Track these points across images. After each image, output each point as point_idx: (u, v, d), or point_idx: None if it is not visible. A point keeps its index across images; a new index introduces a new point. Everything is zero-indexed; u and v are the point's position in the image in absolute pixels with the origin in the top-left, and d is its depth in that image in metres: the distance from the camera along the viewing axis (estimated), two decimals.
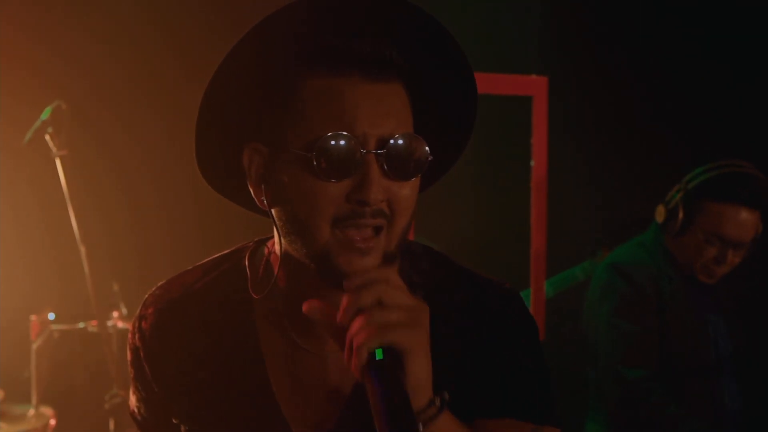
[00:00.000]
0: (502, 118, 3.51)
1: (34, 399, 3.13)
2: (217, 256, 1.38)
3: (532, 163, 3.06)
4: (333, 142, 1.12)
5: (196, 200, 3.30)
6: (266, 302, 1.29)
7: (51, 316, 3.20)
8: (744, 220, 2.56)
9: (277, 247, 1.26)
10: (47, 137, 2.96)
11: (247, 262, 1.33)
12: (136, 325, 1.35)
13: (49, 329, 3.18)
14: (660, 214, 2.74)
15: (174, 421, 1.35)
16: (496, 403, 1.26)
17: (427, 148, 1.18)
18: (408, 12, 1.18)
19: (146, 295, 1.37)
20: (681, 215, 2.67)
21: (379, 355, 1.07)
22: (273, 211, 1.21)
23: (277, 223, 1.22)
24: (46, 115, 2.95)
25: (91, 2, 3.48)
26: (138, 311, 1.36)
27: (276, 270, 1.26)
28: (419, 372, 1.08)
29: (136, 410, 1.43)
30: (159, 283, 1.38)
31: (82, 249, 2.96)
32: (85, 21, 3.45)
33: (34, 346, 3.14)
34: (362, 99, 1.15)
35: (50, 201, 3.18)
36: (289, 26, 1.17)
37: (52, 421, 3.10)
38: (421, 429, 1.04)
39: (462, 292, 1.32)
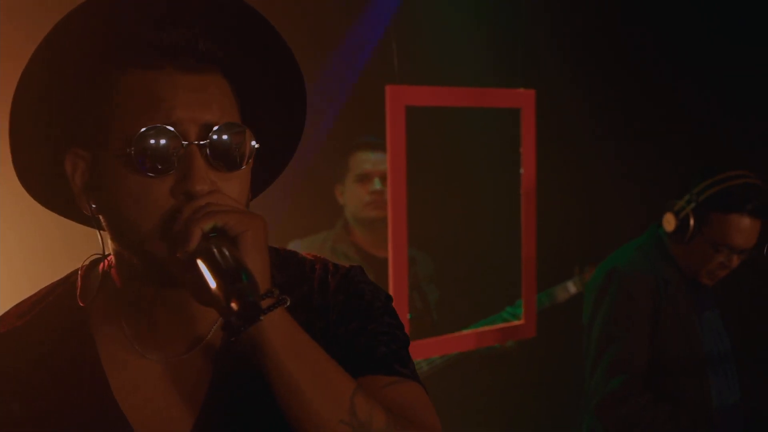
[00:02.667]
0: (493, 129, 3.58)
1: None
2: (52, 282, 1.28)
3: (522, 171, 3.12)
4: (152, 137, 1.07)
5: None
6: (102, 312, 1.22)
7: None
8: (750, 228, 2.66)
9: (114, 256, 1.19)
10: None
11: (80, 276, 1.24)
12: None
13: None
14: (669, 222, 2.78)
15: None
16: (354, 365, 1.17)
17: (252, 136, 1.13)
18: (221, 0, 1.14)
19: None
20: (692, 225, 2.73)
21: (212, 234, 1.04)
22: (101, 217, 1.15)
23: (108, 229, 1.15)
24: None
25: None
26: None
27: (115, 277, 1.19)
28: (256, 259, 1.04)
29: None
30: None
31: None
32: None
33: None
34: (179, 91, 1.09)
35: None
36: (94, 21, 1.10)
37: None
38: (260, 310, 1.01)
39: (310, 279, 1.25)
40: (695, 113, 4.03)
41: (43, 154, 1.17)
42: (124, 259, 1.15)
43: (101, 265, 1.24)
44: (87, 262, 1.25)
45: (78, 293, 1.21)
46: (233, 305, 0.97)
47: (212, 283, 0.98)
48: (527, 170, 3.10)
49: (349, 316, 1.20)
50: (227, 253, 1.01)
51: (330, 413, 1.06)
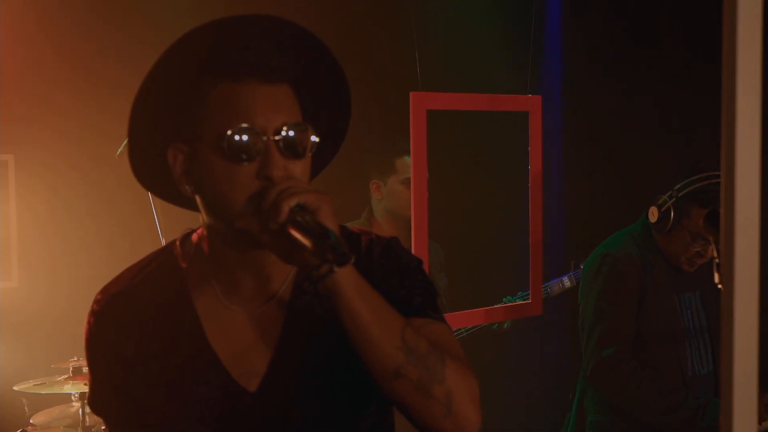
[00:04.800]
0: (504, 130, 3.81)
1: None
2: (153, 251, 1.53)
3: (530, 166, 3.29)
4: (239, 134, 1.31)
5: None
6: (197, 273, 1.44)
7: None
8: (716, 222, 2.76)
9: (203, 227, 1.44)
10: None
11: (178, 244, 1.48)
12: (87, 320, 1.48)
13: None
14: (653, 214, 2.98)
15: (124, 399, 1.45)
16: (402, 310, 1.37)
17: (313, 132, 1.37)
18: (285, 28, 1.38)
19: (95, 295, 1.49)
20: (672, 217, 2.93)
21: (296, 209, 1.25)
22: (197, 196, 1.39)
23: (202, 205, 1.40)
24: None
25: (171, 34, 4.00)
26: (91, 305, 1.49)
27: (205, 246, 1.43)
28: (331, 225, 1.25)
29: (91, 398, 1.52)
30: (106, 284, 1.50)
31: (163, 241, 3.36)
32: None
33: None
34: (258, 98, 1.33)
35: (138, 202, 3.61)
36: (193, 46, 1.35)
37: None
38: (341, 263, 1.23)
39: (358, 247, 1.47)
40: (693, 114, 4.19)
41: (150, 148, 1.40)
42: (215, 230, 1.39)
43: (193, 236, 1.48)
44: (181, 235, 1.50)
45: (179, 257, 1.46)
46: (329, 256, 1.22)
47: (308, 243, 1.22)
48: (534, 166, 3.27)
49: (390, 275, 1.43)
50: (313, 221, 1.25)
51: (387, 341, 1.30)
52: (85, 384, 3.27)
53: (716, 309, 3.04)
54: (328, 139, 1.47)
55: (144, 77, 1.35)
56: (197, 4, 3.91)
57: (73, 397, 3.56)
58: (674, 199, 2.94)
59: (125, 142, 3.45)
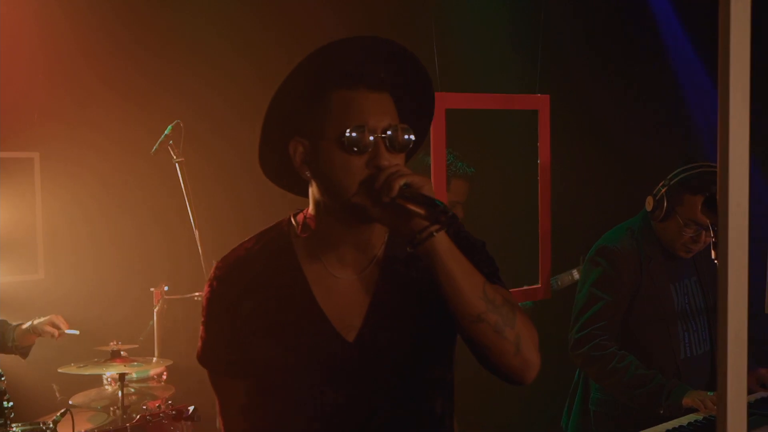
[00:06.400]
0: (515, 127, 3.94)
1: (156, 349, 3.81)
2: (264, 229, 1.79)
3: (539, 160, 3.46)
4: (355, 132, 1.57)
5: (278, 196, 4.03)
6: (306, 245, 1.71)
7: (166, 288, 3.87)
8: (713, 208, 2.78)
9: (312, 208, 1.69)
10: (169, 147, 3.60)
11: (292, 220, 1.74)
12: (210, 277, 1.74)
13: (165, 298, 3.86)
14: (649, 203, 3.09)
15: (235, 354, 1.68)
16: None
17: (410, 132, 1.62)
18: (388, 47, 1.64)
19: (217, 261, 1.75)
20: (665, 205, 3.02)
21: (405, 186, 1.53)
22: (314, 181, 1.65)
23: (318, 188, 1.65)
24: (168, 130, 3.59)
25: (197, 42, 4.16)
26: (212, 270, 1.75)
27: (312, 223, 1.69)
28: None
29: (202, 351, 1.75)
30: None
31: (197, 233, 3.58)
32: (192, 56, 4.15)
33: (156, 310, 3.83)
34: (369, 103, 1.60)
35: (173, 196, 3.77)
36: (320, 61, 1.61)
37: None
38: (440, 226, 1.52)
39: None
40: (695, 113, 4.35)
41: (275, 142, 1.67)
42: (327, 209, 1.65)
43: (299, 216, 1.75)
44: (290, 215, 1.77)
45: (299, 229, 1.72)
46: (442, 218, 1.50)
47: (421, 211, 1.51)
48: (543, 160, 3.45)
49: (462, 250, 1.62)
50: (421, 194, 1.52)
51: (472, 292, 1.57)
52: (125, 365, 3.51)
53: (713, 290, 3.11)
54: (415, 137, 1.71)
55: (278, 86, 1.63)
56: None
57: (107, 380, 3.74)
58: (666, 188, 3.05)
59: (160, 140, 3.56)
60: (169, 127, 3.62)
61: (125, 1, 4.26)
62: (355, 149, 1.58)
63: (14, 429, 3.03)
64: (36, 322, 3.44)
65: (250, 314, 1.69)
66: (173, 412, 2.71)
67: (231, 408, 1.78)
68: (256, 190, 3.99)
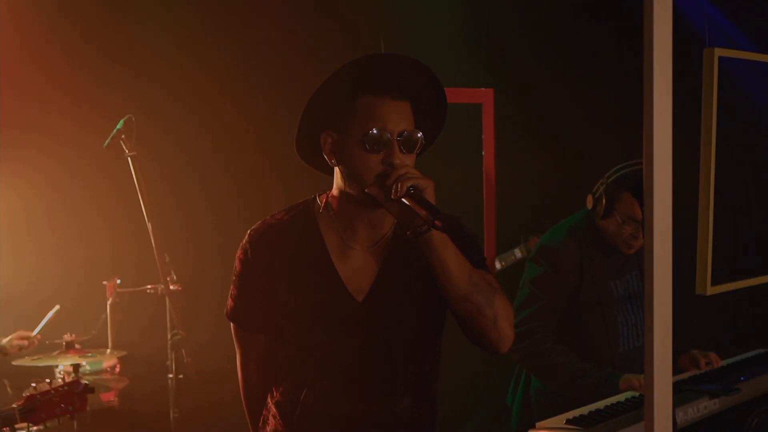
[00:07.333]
0: (460, 120, 3.69)
1: (110, 342, 3.86)
2: (291, 205, 2.10)
3: (483, 153, 3.59)
4: (375, 132, 1.89)
5: (227, 190, 4.07)
6: (327, 220, 2.02)
7: (118, 281, 3.92)
8: None
9: (335, 190, 2.01)
10: (121, 142, 3.62)
11: (317, 198, 2.06)
12: (245, 240, 2.04)
13: (117, 291, 3.90)
14: (589, 201, 3.13)
15: (261, 309, 2.00)
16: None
17: (421, 135, 1.93)
18: (412, 64, 1.96)
19: (250, 230, 2.06)
20: (604, 203, 3.06)
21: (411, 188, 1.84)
22: (338, 168, 1.97)
23: (341, 174, 1.97)
24: (120, 125, 3.61)
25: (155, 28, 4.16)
26: (246, 235, 2.05)
27: (334, 202, 2.02)
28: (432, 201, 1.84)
29: (232, 308, 2.08)
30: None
31: (149, 225, 3.60)
32: (148, 47, 4.14)
33: (109, 302, 3.87)
34: (389, 110, 1.91)
35: (122, 190, 3.80)
36: (352, 71, 1.92)
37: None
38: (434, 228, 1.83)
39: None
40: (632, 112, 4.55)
41: (310, 132, 1.98)
42: (347, 193, 1.97)
43: (322, 197, 2.06)
44: (316, 195, 2.08)
45: (322, 207, 2.03)
46: (437, 223, 1.81)
47: (423, 212, 1.81)
48: (487, 152, 3.58)
49: (456, 240, 1.94)
50: (423, 197, 1.82)
51: (460, 278, 1.89)
52: (80, 357, 3.55)
53: None
54: (427, 140, 2.02)
55: (315, 89, 1.93)
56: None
57: (59, 373, 3.76)
58: (605, 185, 3.10)
59: (112, 134, 3.61)
60: (121, 121, 3.65)
61: (73, 4, 4.26)
62: (374, 147, 1.89)
63: None
64: (4, 341, 3.48)
65: (277, 274, 2.00)
66: (64, 388, 2.73)
67: (251, 360, 2.12)
68: (202, 185, 4.23)
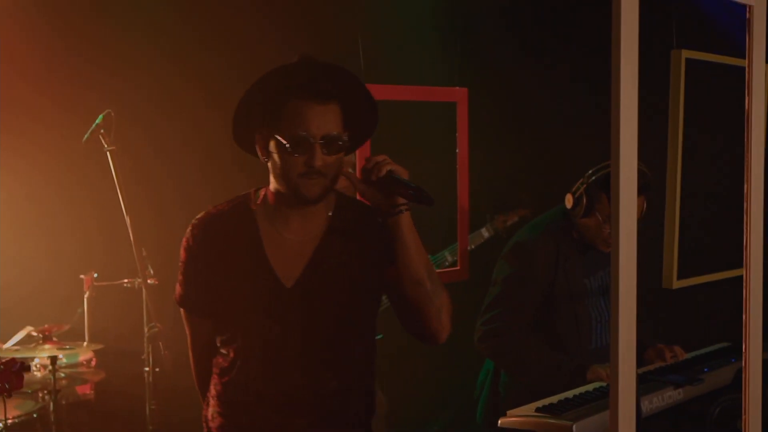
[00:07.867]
0: (435, 118, 4.02)
1: (86, 335, 3.88)
2: (233, 197, 2.21)
3: (458, 150, 3.64)
4: (298, 136, 1.99)
5: (203, 186, 4.10)
6: (263, 213, 2.13)
7: (95, 275, 3.95)
8: None
9: (271, 184, 2.11)
10: (100, 136, 3.64)
11: (252, 193, 2.17)
12: (188, 230, 2.16)
13: (94, 285, 3.93)
14: (569, 201, 3.12)
15: (203, 296, 2.12)
16: None
17: (345, 139, 2.03)
18: (338, 70, 2.05)
19: (193, 219, 2.17)
20: (584, 202, 3.07)
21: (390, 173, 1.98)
22: (268, 165, 2.09)
23: (271, 171, 2.09)
24: (99, 119, 3.63)
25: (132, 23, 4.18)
26: (189, 225, 2.16)
27: (269, 196, 2.12)
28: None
29: (180, 294, 2.18)
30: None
31: (128, 219, 3.62)
32: (118, 58, 4.17)
33: (86, 296, 3.90)
34: (315, 114, 2.00)
35: (101, 184, 3.82)
36: (280, 76, 2.02)
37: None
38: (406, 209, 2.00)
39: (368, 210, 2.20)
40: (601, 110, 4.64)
41: (245, 130, 2.09)
42: (277, 189, 2.09)
43: (261, 191, 2.17)
44: (253, 189, 2.19)
45: (252, 202, 2.15)
46: (424, 200, 1.93)
47: (410, 191, 1.96)
48: (462, 149, 3.65)
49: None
50: (402, 180, 1.98)
51: (419, 261, 2.05)
52: (57, 349, 3.58)
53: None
54: (356, 140, 2.14)
55: (246, 90, 2.02)
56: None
57: (35, 366, 3.77)
58: (585, 185, 3.10)
59: (91, 129, 3.67)
60: (100, 116, 3.66)
61: (49, 4, 4.26)
62: (297, 149, 2.01)
63: None
64: None
65: (215, 262, 2.12)
66: (1, 367, 2.80)
67: (198, 344, 2.24)
68: (178, 180, 4.24)
